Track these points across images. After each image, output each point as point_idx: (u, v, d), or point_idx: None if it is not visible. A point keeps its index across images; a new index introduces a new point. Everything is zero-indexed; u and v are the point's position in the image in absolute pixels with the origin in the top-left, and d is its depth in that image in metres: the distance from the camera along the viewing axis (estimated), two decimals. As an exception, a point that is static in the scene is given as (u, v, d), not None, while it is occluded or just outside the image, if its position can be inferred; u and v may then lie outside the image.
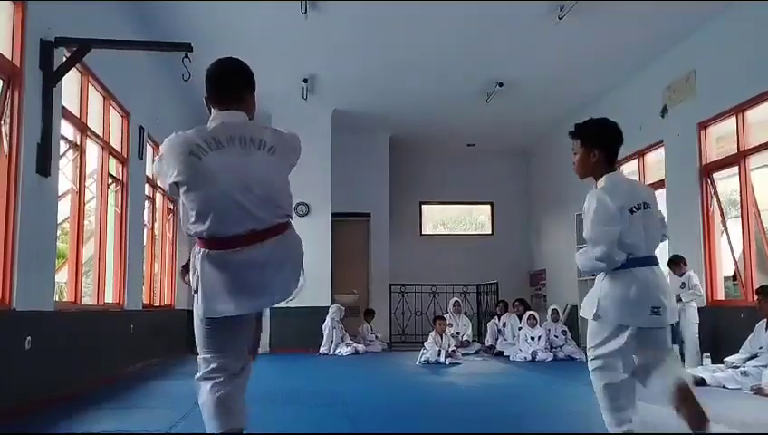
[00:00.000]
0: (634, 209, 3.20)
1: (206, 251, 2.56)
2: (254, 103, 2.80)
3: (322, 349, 10.88)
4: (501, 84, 10.31)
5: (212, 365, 2.63)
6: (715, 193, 8.23)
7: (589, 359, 3.32)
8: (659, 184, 9.50)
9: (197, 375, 2.63)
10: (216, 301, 2.54)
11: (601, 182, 3.30)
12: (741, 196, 7.72)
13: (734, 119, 7.84)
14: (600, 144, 3.31)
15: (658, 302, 3.17)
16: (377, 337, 11.93)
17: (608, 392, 3.19)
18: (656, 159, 9.77)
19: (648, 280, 3.19)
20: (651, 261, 3.25)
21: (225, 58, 2.79)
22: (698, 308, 7.76)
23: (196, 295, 2.59)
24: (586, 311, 3.31)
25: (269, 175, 2.59)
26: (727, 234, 8.12)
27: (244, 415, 2.65)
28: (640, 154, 10.03)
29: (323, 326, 10.97)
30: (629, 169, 10.59)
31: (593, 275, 3.48)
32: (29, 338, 4.89)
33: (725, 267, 8.32)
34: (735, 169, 7.84)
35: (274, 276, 2.61)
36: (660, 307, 3.17)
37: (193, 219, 2.54)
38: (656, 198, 3.39)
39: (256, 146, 2.58)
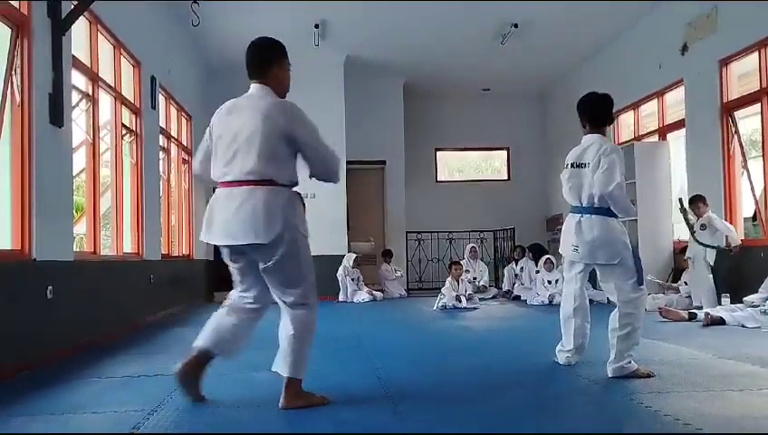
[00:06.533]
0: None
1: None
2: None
3: (340, 297, 10.99)
4: (516, 25, 10.08)
5: None
6: (736, 132, 8.07)
7: None
8: (679, 124, 9.34)
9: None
10: None
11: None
12: (763, 133, 7.56)
13: (756, 55, 7.64)
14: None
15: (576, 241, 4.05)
16: (398, 276, 12.02)
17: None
18: (675, 98, 9.57)
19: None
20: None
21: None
22: (726, 247, 7.63)
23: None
24: None
25: None
26: (748, 174, 8.00)
27: None
28: (659, 94, 9.83)
29: (338, 275, 11.06)
30: (648, 109, 10.42)
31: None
32: (50, 287, 4.96)
33: (746, 208, 8.23)
34: (757, 107, 7.66)
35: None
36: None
37: None
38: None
39: None
